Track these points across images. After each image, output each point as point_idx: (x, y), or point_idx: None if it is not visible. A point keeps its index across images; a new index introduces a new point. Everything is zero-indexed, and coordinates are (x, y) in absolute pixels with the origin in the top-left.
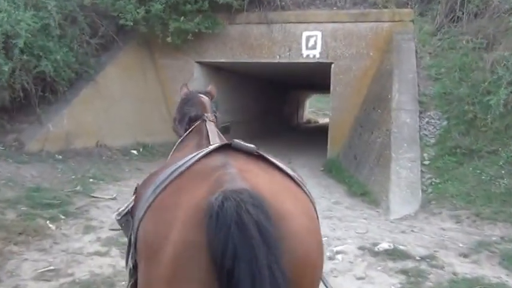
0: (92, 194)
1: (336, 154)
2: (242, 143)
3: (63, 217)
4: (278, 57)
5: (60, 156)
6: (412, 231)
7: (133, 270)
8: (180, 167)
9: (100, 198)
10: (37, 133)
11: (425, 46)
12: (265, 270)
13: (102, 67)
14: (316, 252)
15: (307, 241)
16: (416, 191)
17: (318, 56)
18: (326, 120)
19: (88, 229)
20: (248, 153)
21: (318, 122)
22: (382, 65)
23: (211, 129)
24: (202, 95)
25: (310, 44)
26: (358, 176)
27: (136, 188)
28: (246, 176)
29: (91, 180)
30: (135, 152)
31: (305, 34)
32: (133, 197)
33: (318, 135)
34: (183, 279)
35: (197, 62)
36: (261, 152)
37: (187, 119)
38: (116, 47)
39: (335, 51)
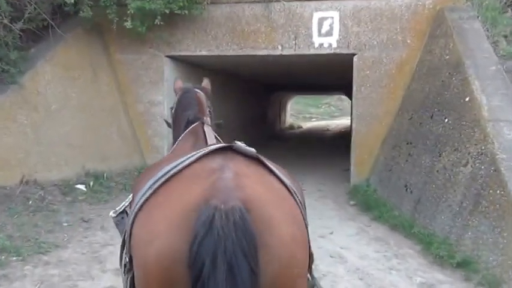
0: None
1: (364, 179)
2: (243, 145)
3: None
4: (280, 47)
5: None
6: None
7: (130, 264)
8: (178, 164)
9: None
10: None
11: (497, 27)
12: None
13: (31, 65)
14: (301, 258)
15: (292, 248)
16: None
17: (334, 45)
18: (310, 124)
19: None
20: (247, 156)
21: (301, 128)
22: (429, 56)
23: (209, 131)
24: (198, 91)
25: (324, 29)
26: (421, 220)
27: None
28: (240, 182)
29: None
30: (82, 187)
31: (317, 16)
32: (130, 196)
33: (310, 144)
34: (166, 282)
35: (168, 57)
36: (260, 156)
37: (185, 121)
38: (52, 37)
39: (358, 38)
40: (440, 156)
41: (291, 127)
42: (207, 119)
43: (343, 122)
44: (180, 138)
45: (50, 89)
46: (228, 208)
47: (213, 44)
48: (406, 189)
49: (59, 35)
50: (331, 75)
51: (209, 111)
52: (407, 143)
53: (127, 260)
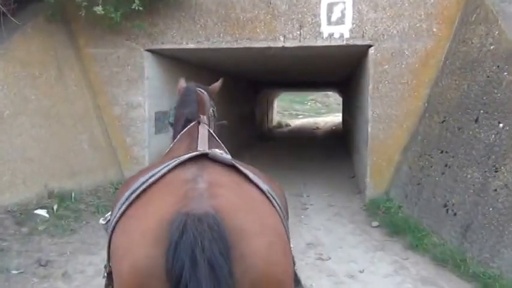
0: None
1: (382, 192)
2: (219, 153)
3: None
4: (282, 38)
5: None
6: None
7: (108, 277)
8: (153, 175)
9: None
10: None
11: None
12: None
13: None
14: (280, 267)
15: (269, 257)
16: None
17: (347, 35)
18: (298, 122)
19: None
20: (223, 164)
21: (290, 126)
22: (463, 46)
23: (203, 132)
24: (201, 90)
25: (335, 16)
26: (476, 253)
27: None
28: (213, 192)
29: None
30: (43, 212)
31: (325, 1)
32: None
33: (303, 145)
34: None
35: (149, 51)
36: (236, 163)
37: (184, 120)
38: (4, 27)
39: (375, 26)
40: (497, 172)
41: (279, 125)
42: (204, 118)
43: (332, 119)
44: (176, 138)
45: (3, 91)
46: (202, 213)
47: (203, 35)
48: (447, 210)
49: (14, 24)
50: (326, 71)
51: (212, 110)
52: (441, 152)
53: (106, 273)
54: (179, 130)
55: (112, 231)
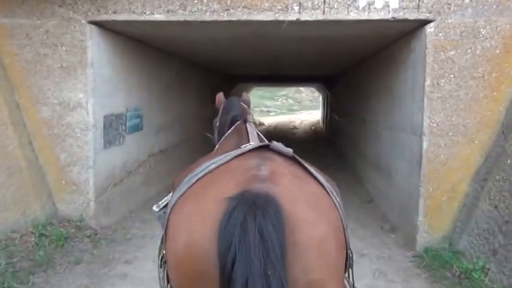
0: None
1: (443, 237)
2: (280, 145)
3: None
4: (297, 8)
5: None
6: None
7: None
8: (216, 161)
9: None
10: None
11: None
12: (258, 277)
13: None
14: (334, 260)
15: (322, 248)
16: None
17: (395, 4)
18: (272, 120)
19: None
20: (284, 156)
21: (264, 124)
22: None
23: (251, 130)
24: (241, 101)
25: None
26: None
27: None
28: (275, 180)
29: None
30: None
31: None
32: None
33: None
34: (194, 270)
35: (95, 24)
36: (297, 156)
37: (230, 120)
38: None
39: None
40: None
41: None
42: (250, 117)
43: (306, 117)
44: (224, 136)
45: None
46: (262, 193)
47: (176, 2)
48: None
49: None
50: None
51: (252, 117)
52: None
53: (163, 253)
54: (226, 130)
55: (170, 213)
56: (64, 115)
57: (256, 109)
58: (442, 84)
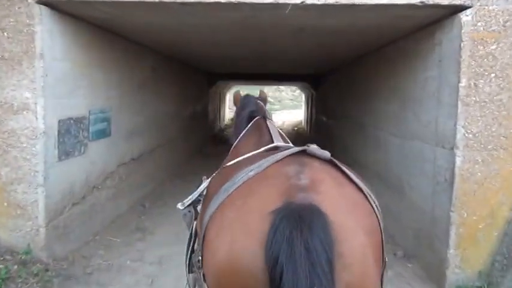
0: None
1: (478, 273)
2: (317, 148)
3: None
4: None
5: None
6: None
7: (201, 263)
8: (254, 169)
9: None
10: None
11: None
12: None
13: None
14: (373, 268)
15: (366, 259)
16: None
17: None
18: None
19: None
20: (322, 160)
21: None
22: None
23: (272, 127)
24: (259, 99)
25: None
26: None
27: (202, 179)
28: (316, 188)
29: None
30: None
31: None
32: (198, 189)
33: None
34: (236, 282)
35: (44, 4)
36: (334, 160)
37: (247, 116)
38: None
39: None
40: None
41: (231, 126)
42: (268, 114)
43: (288, 117)
44: (242, 133)
45: None
46: (306, 204)
47: None
48: None
49: None
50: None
51: (267, 113)
52: None
53: (199, 259)
54: (244, 126)
55: (208, 222)
56: (6, 120)
57: (235, 108)
58: (480, 86)
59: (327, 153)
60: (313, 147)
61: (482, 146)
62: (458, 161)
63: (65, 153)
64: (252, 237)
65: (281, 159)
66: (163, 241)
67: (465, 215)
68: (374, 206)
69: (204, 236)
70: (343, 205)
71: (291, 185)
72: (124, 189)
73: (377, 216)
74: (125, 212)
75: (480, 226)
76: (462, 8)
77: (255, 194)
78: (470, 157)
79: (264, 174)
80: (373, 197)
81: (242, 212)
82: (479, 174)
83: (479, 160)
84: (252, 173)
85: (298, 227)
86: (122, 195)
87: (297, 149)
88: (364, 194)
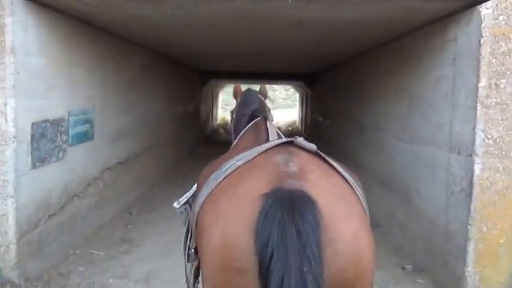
0: None
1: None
2: (304, 140)
3: None
4: None
5: None
6: None
7: (195, 254)
8: (242, 158)
9: None
10: None
11: None
12: (294, 273)
13: None
14: (367, 255)
15: (357, 244)
16: None
17: None
18: None
19: None
20: (308, 152)
21: None
22: None
23: (271, 128)
24: (259, 93)
25: None
26: None
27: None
28: (305, 176)
29: None
30: None
31: None
32: (193, 187)
33: None
34: (231, 266)
35: None
36: (320, 152)
37: (249, 115)
38: None
39: None
40: None
41: (225, 124)
42: (270, 115)
43: (281, 117)
44: (242, 132)
45: None
46: (296, 190)
47: None
48: None
49: None
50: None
51: (268, 110)
52: None
53: (192, 250)
54: (244, 125)
55: (199, 211)
56: None
57: (228, 107)
58: (502, 86)
59: (313, 145)
60: (300, 139)
61: (503, 152)
62: (477, 169)
63: (39, 160)
64: (242, 222)
65: (269, 149)
66: (150, 254)
67: (484, 228)
68: (359, 195)
69: (196, 225)
70: (332, 193)
71: (280, 172)
72: (109, 196)
73: (362, 206)
74: (109, 221)
75: (501, 241)
76: (481, 0)
77: (245, 181)
78: (490, 165)
79: (253, 163)
80: (359, 189)
81: (234, 198)
82: (500, 183)
83: (500, 168)
84: (240, 162)
85: (290, 211)
86: (106, 203)
87: (284, 140)
88: (350, 184)
